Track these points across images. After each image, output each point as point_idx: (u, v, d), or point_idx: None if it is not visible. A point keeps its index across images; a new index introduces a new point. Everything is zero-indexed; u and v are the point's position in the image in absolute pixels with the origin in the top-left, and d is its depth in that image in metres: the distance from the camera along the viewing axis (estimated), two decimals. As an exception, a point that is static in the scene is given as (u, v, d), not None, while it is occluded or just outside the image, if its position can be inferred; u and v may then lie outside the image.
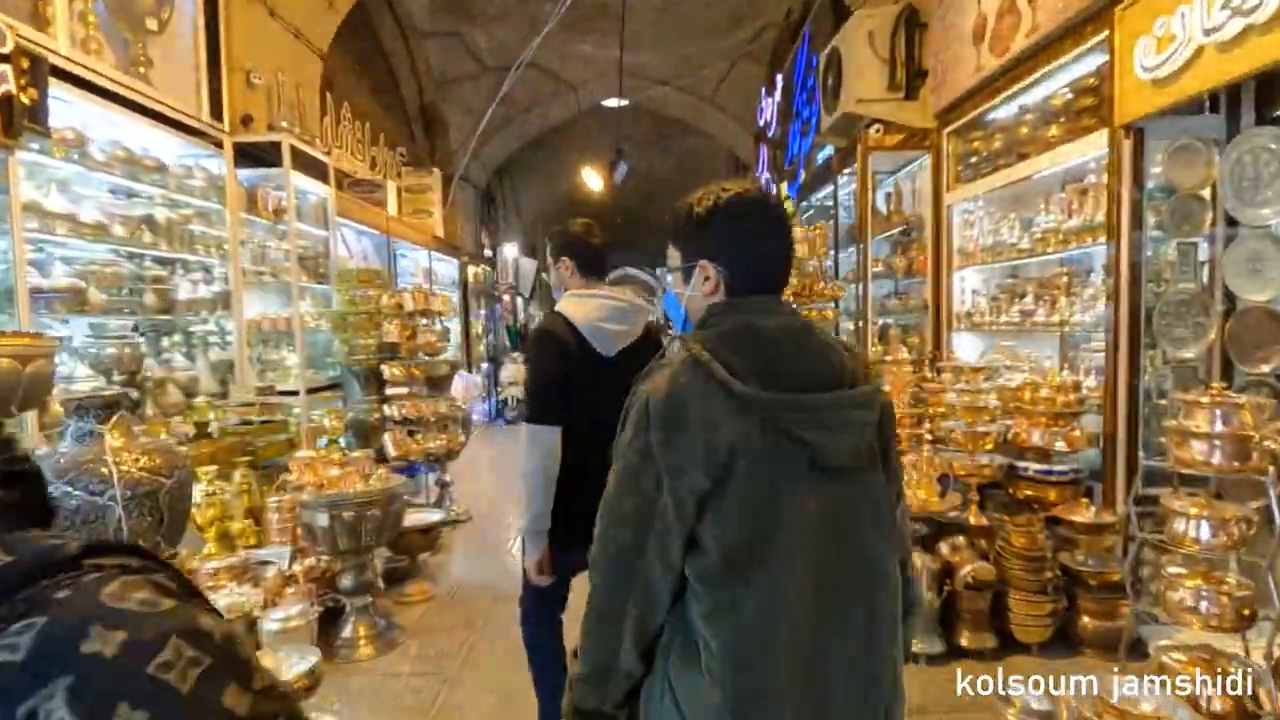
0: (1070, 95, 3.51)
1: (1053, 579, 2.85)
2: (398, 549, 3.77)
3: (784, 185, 8.95)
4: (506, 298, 15.26)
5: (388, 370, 4.61)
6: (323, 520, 2.97)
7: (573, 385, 1.95)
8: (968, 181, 4.49)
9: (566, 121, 11.89)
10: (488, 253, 13.40)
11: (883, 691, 1.07)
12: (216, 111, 4.44)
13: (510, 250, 14.49)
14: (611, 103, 10.93)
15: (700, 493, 0.98)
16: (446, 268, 10.06)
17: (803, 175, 7.55)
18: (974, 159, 4.44)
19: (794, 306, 1.51)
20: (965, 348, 4.58)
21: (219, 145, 4.47)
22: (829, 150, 6.39)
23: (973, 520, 3.20)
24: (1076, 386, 3.13)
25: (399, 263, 8.73)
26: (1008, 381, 3.62)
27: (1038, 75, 3.53)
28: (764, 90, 9.41)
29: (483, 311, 11.79)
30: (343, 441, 4.72)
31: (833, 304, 4.87)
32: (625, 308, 2.06)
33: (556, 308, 2.09)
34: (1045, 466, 3.12)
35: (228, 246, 4.48)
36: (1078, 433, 3.12)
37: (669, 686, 1.04)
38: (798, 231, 4.84)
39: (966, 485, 3.24)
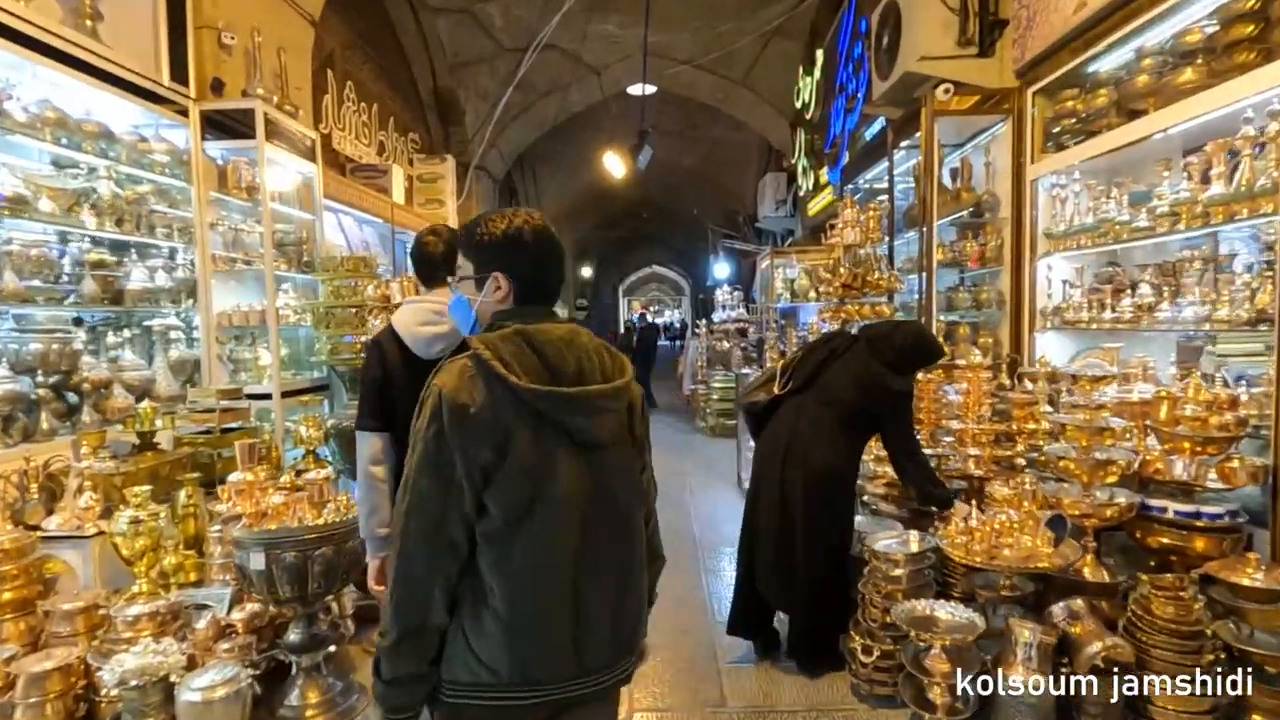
0: (1215, 27, 2.76)
1: (1213, 662, 2.12)
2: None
3: (823, 170, 8.21)
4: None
5: (373, 371, 3.99)
6: (258, 562, 2.36)
7: (394, 390, 2.09)
8: (1058, 150, 3.74)
9: (589, 109, 11.26)
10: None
11: (629, 614, 1.36)
12: (180, 74, 3.88)
13: (531, 245, 13.91)
14: (636, 89, 10.28)
15: (487, 465, 1.20)
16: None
17: (846, 157, 6.81)
18: (1068, 122, 3.68)
19: (565, 316, 1.66)
20: (1052, 350, 3.82)
21: (184, 114, 3.92)
22: (879, 125, 5.64)
23: (1089, 575, 2.47)
24: (1234, 403, 2.38)
25: (400, 253, 8.21)
26: (1125, 394, 2.87)
27: (1168, 4, 2.77)
28: (801, 69, 8.67)
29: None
30: (325, 453, 4.15)
31: (887, 298, 4.17)
32: (443, 310, 2.09)
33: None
34: (1190, 508, 2.38)
35: (195, 229, 3.93)
36: (1235, 464, 2.37)
37: (462, 628, 1.24)
38: (848, 213, 4.13)
39: (1080, 529, 2.51)
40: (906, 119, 4.56)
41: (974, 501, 2.65)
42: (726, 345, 10.72)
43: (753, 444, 6.48)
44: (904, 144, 4.58)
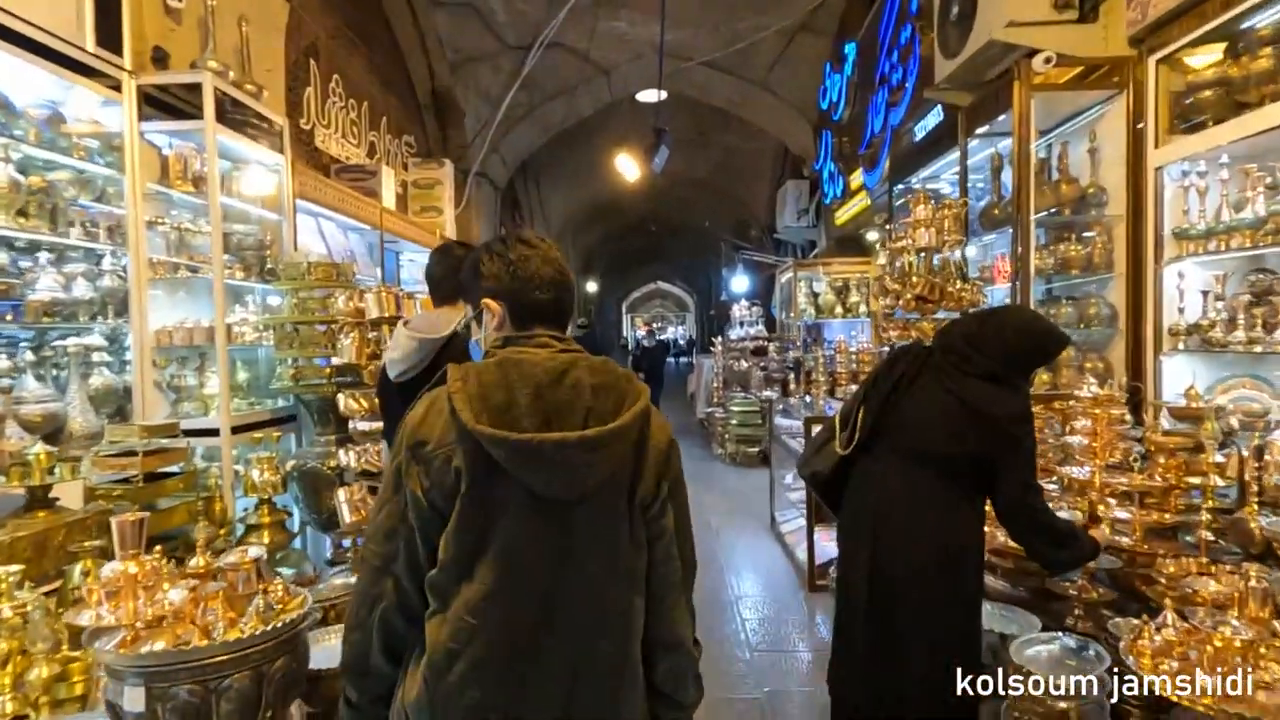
0: None
1: None
2: (314, 698, 2.38)
3: (855, 175, 7.52)
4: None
5: (344, 401, 3.24)
6: (135, 701, 1.60)
7: (386, 412, 2.36)
8: (1191, 130, 3.02)
9: (596, 115, 10.61)
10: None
11: None
12: (111, 41, 3.18)
13: (534, 258, 13.22)
14: (648, 96, 9.62)
15: (437, 508, 1.10)
16: (458, 274, 8.80)
17: (887, 158, 6.12)
18: (1206, 95, 2.96)
19: (571, 340, 1.24)
20: (1181, 377, 3.08)
21: (116, 89, 3.21)
22: (935, 118, 4.95)
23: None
24: None
25: (402, 268, 7.49)
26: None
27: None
28: (829, 67, 8.02)
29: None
30: (287, 501, 3.41)
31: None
32: (406, 335, 2.16)
33: None
34: None
35: (128, 228, 3.21)
36: None
37: (402, 689, 1.14)
38: (920, 211, 3.41)
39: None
40: (981, 102, 3.84)
41: (1168, 604, 1.87)
42: (744, 365, 9.98)
43: (791, 478, 5.74)
44: (979, 132, 3.86)
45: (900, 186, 5.02)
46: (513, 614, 1.09)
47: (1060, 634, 2.04)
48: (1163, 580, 2.09)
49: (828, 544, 4.25)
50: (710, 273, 21.23)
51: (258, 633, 1.75)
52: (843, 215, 8.12)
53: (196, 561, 1.96)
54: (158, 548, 1.90)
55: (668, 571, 1.20)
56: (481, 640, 1.07)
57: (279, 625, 1.80)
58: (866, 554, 2.01)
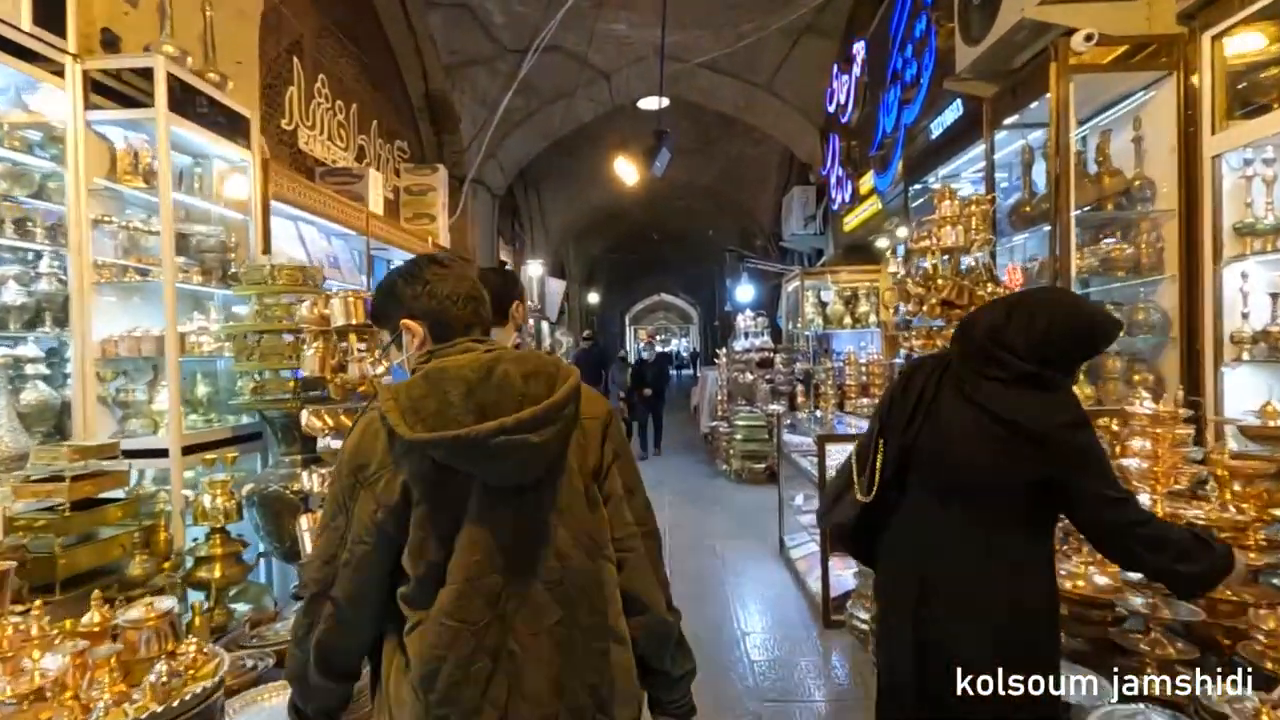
0: None
1: None
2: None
3: (865, 178, 7.20)
4: (530, 322, 13.70)
5: (307, 418, 2.90)
6: (-22, 811, 1.26)
7: None
8: (1252, 114, 2.68)
9: (597, 121, 10.34)
10: (510, 270, 11.89)
11: (583, 691, 1.13)
12: (53, 22, 2.89)
13: (535, 268, 12.96)
14: (650, 104, 9.33)
15: (387, 530, 1.11)
16: (452, 283, 8.49)
17: (900, 159, 5.81)
18: (1265, 75, 2.63)
19: (494, 341, 1.31)
20: (1244, 392, 2.73)
21: (59, 74, 2.92)
22: (954, 113, 4.64)
23: None
24: None
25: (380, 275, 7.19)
26: None
27: None
28: (836, 67, 7.74)
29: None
30: (246, 529, 3.08)
31: None
32: None
33: None
34: None
35: (70, 227, 2.90)
36: None
37: (388, 701, 1.14)
38: (946, 207, 3.08)
39: None
40: (1010, 91, 3.52)
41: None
42: (750, 377, 9.63)
43: (802, 499, 5.35)
44: (1007, 123, 3.53)
45: (917, 186, 4.70)
46: (490, 607, 1.10)
47: (1143, 706, 1.67)
48: (1262, 638, 1.73)
49: (843, 573, 3.88)
50: (714, 283, 20.93)
51: (149, 713, 1.41)
52: (851, 221, 7.80)
53: (90, 618, 1.63)
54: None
55: (623, 536, 1.23)
56: (464, 640, 1.08)
57: (184, 700, 1.46)
58: (911, 627, 1.61)
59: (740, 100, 9.64)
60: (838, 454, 3.77)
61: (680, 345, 33.88)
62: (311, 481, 2.85)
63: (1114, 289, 3.24)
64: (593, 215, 16.03)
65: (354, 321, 2.97)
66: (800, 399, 7.18)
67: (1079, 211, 3.17)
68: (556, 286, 14.82)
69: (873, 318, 8.37)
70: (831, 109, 7.84)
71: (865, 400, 7.97)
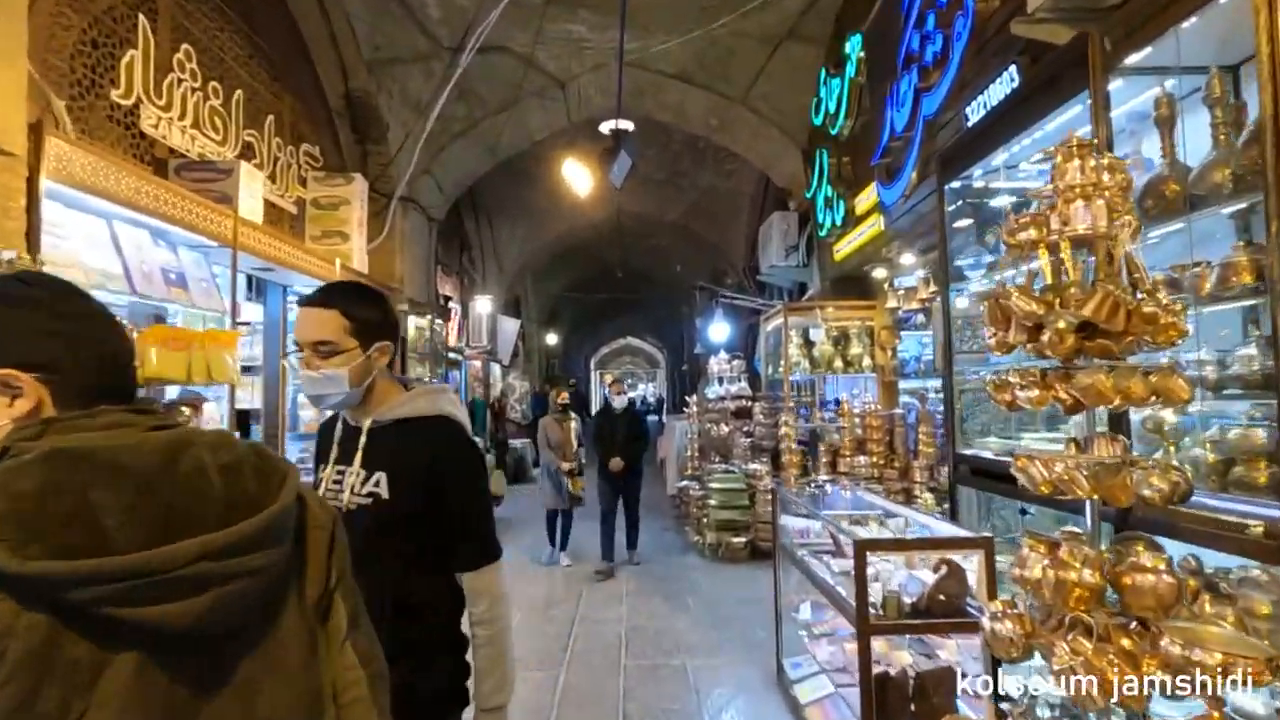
0: None
1: None
2: None
3: (862, 196, 6.10)
4: (477, 364, 12.26)
5: None
6: None
7: None
8: None
9: (556, 147, 9.17)
10: (454, 306, 10.50)
11: None
12: None
13: (483, 305, 11.61)
14: (611, 126, 8.22)
15: None
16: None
17: (916, 161, 4.69)
18: None
19: (159, 410, 0.86)
20: None
21: None
22: (1005, 86, 3.52)
23: None
24: None
25: (291, 310, 5.69)
26: None
27: None
28: (824, 73, 6.72)
29: (431, 380, 8.70)
30: None
31: (1166, 355, 1.92)
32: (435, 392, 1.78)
33: None
34: None
35: None
36: None
37: None
38: (1073, 172, 1.85)
39: None
40: (1125, 21, 2.36)
41: None
42: (725, 429, 8.33)
43: (808, 611, 3.74)
44: (1130, 62, 2.36)
45: (957, 184, 3.52)
46: None
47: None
48: None
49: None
50: (683, 325, 19.81)
51: None
52: (844, 249, 6.67)
53: None
54: None
55: (346, 684, 0.88)
56: None
57: None
58: None
59: (712, 117, 8.59)
60: (879, 565, 2.43)
61: (646, 390, 32.56)
62: None
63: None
64: (553, 250, 14.83)
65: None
66: (786, 458, 5.89)
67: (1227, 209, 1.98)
68: (510, 326, 13.48)
69: (866, 360, 7.21)
70: (819, 121, 6.80)
71: (862, 459, 6.73)
